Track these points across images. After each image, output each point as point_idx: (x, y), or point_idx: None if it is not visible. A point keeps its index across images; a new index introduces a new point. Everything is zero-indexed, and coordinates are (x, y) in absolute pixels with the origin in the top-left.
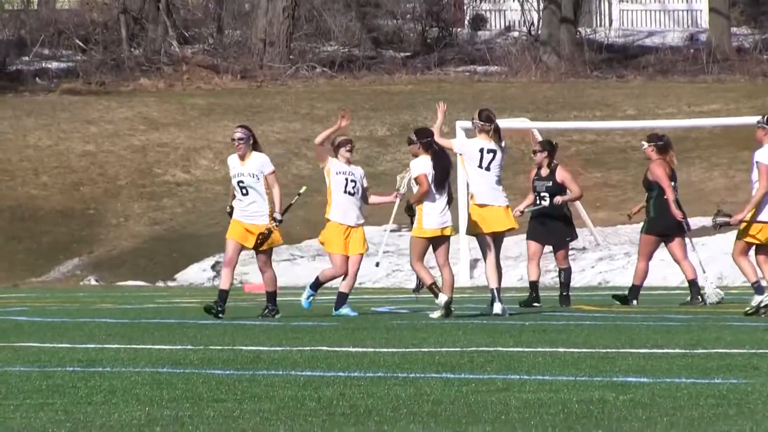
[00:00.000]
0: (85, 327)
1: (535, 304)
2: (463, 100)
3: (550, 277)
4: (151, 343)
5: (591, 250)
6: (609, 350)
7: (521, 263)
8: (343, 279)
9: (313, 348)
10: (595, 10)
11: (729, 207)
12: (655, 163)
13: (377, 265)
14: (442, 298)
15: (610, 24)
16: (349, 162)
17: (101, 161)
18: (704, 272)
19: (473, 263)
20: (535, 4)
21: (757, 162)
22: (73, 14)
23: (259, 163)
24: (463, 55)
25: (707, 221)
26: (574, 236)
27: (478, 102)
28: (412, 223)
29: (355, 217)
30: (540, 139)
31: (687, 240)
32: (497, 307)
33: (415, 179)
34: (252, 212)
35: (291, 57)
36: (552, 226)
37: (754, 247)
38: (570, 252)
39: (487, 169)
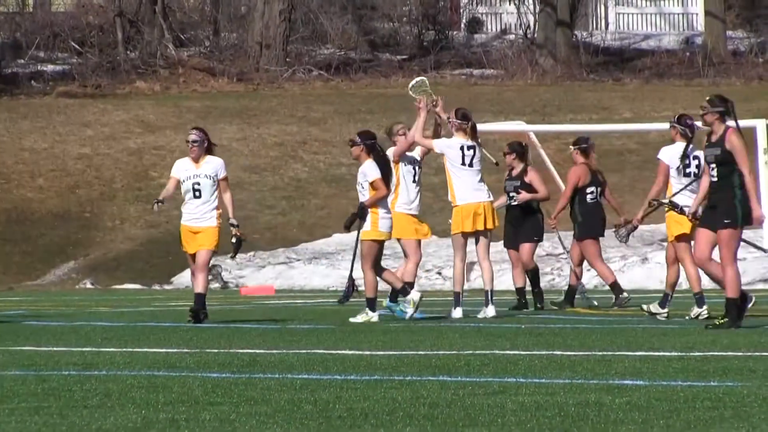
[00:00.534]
0: (81, 330)
1: (525, 310)
2: (460, 103)
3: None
4: (147, 347)
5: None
6: (605, 353)
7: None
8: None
9: (309, 351)
10: (591, 13)
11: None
12: (574, 168)
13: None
14: (415, 295)
15: (606, 27)
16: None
17: (97, 164)
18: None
19: (469, 266)
20: (531, 7)
21: (658, 158)
22: (69, 17)
23: (215, 165)
24: (459, 58)
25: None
26: (542, 237)
27: (474, 105)
28: (349, 226)
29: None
30: (537, 142)
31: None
32: (457, 312)
33: (372, 183)
34: (201, 214)
35: (287, 60)
36: (523, 227)
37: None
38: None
39: (470, 165)
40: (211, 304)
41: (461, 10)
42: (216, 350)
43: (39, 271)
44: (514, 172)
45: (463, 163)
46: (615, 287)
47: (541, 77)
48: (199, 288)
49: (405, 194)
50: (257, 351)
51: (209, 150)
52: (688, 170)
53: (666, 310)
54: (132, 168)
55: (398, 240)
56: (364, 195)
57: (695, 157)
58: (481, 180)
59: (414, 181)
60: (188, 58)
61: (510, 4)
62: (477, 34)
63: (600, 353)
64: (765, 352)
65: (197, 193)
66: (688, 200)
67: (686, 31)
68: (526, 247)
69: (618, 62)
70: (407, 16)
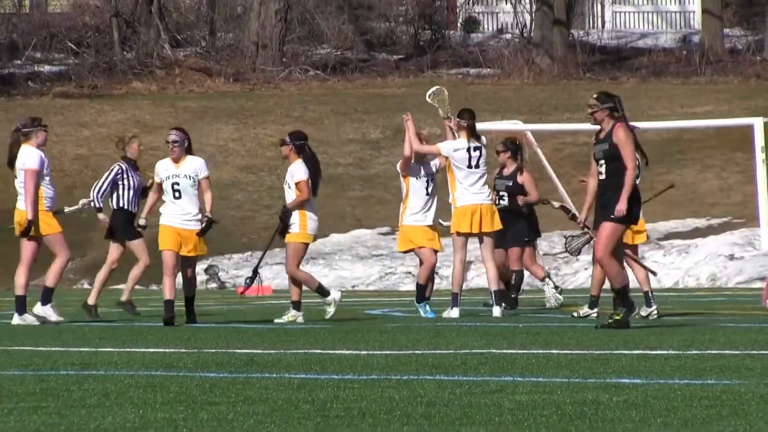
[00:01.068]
0: (78, 330)
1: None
2: (456, 102)
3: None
4: (144, 346)
5: (585, 252)
6: (602, 352)
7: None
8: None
9: (306, 351)
10: (587, 12)
11: (721, 209)
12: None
13: None
14: (335, 294)
15: (603, 26)
16: None
17: (94, 164)
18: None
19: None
20: (527, 6)
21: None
22: (66, 18)
23: (196, 165)
24: (455, 57)
25: (700, 223)
26: (533, 239)
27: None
28: (284, 230)
29: None
30: (534, 141)
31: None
32: (453, 312)
33: (297, 184)
34: (183, 219)
35: (284, 60)
36: (510, 230)
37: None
38: (563, 254)
39: (476, 166)
40: (208, 304)
41: (458, 10)
42: (214, 350)
43: (36, 271)
44: (506, 171)
45: (470, 165)
46: (512, 287)
47: (537, 76)
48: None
49: (416, 206)
50: (255, 351)
51: (189, 150)
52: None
53: (596, 310)
54: None
55: (413, 251)
56: (291, 195)
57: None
58: (484, 182)
59: (427, 194)
60: (185, 59)
61: (506, 3)
62: (473, 33)
63: (597, 352)
64: (762, 351)
65: (177, 194)
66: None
67: (683, 29)
68: (514, 251)
69: (615, 61)
70: (404, 15)
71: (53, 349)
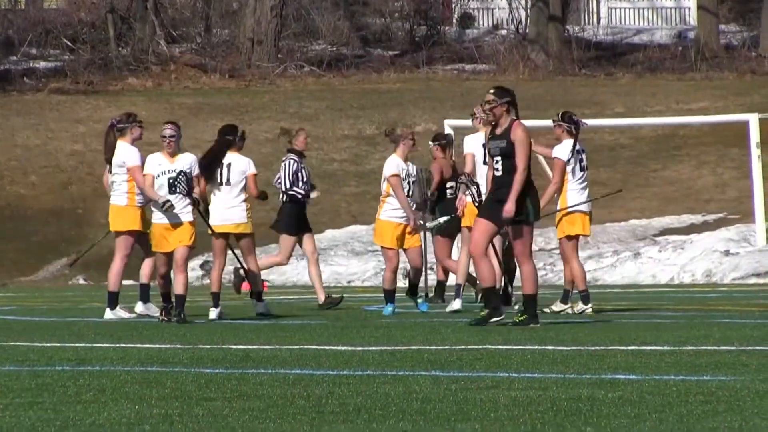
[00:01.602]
0: (74, 326)
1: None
2: (452, 98)
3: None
4: (140, 342)
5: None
6: (598, 348)
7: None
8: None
9: (302, 346)
10: (583, 7)
11: (717, 205)
12: (435, 163)
13: None
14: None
15: (599, 22)
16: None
17: (90, 160)
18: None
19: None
20: (523, 2)
21: (554, 157)
22: (61, 14)
23: (190, 161)
24: (451, 53)
25: (695, 219)
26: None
27: (466, 100)
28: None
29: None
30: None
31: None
32: (456, 304)
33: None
34: (178, 210)
35: (279, 56)
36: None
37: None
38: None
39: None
40: (205, 300)
41: (453, 6)
42: (209, 346)
43: (32, 267)
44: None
45: (484, 162)
46: (440, 286)
47: (533, 72)
48: (180, 289)
49: (396, 203)
50: (250, 347)
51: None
52: (582, 164)
53: (569, 305)
54: None
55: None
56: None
57: (583, 151)
58: None
59: (409, 196)
60: (180, 55)
61: None
62: (469, 29)
63: (592, 348)
64: (758, 347)
65: (173, 189)
66: (580, 196)
67: (679, 25)
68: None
69: (610, 57)
70: (399, 11)
71: (49, 345)
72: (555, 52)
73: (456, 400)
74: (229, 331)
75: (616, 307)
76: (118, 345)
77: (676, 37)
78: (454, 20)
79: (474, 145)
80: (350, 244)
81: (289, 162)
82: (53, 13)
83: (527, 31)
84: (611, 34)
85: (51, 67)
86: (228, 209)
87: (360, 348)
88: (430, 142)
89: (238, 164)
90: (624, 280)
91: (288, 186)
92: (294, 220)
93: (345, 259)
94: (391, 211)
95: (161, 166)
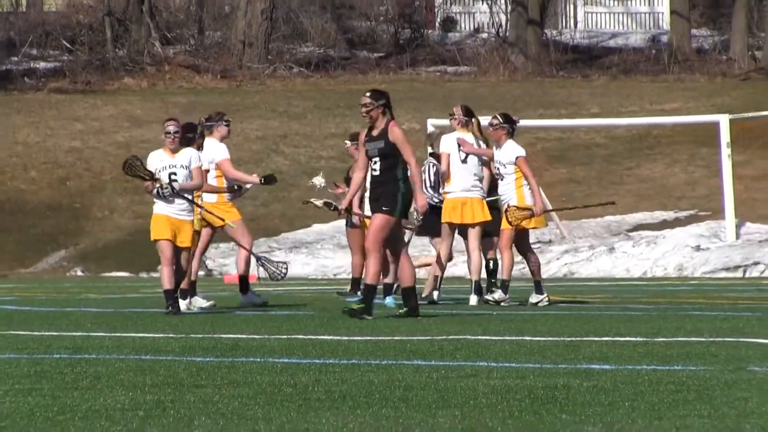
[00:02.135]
0: (71, 316)
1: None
2: (434, 99)
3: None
4: (134, 332)
5: (557, 242)
6: (573, 339)
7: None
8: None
9: (289, 336)
10: (560, 12)
11: (688, 202)
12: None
13: None
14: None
15: (575, 26)
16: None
17: (87, 157)
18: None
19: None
20: (503, 6)
21: (517, 158)
22: (60, 16)
23: (190, 156)
24: (434, 55)
25: (667, 215)
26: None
27: (448, 101)
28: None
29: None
30: None
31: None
32: (473, 299)
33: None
34: (180, 209)
35: (269, 57)
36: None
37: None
38: (536, 245)
39: (464, 162)
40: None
41: (436, 10)
42: (200, 335)
43: (32, 259)
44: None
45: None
46: (354, 282)
47: (512, 74)
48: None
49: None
50: (240, 336)
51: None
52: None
53: (507, 296)
54: (120, 161)
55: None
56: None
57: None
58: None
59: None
60: (174, 56)
61: (483, 3)
62: (451, 32)
63: (568, 339)
64: (726, 338)
65: (175, 183)
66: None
67: (652, 29)
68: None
69: (586, 59)
70: (384, 15)
71: (47, 333)
72: (533, 55)
73: (437, 388)
74: (220, 321)
75: (591, 299)
76: (113, 334)
77: (649, 40)
78: (437, 24)
79: (449, 144)
80: (336, 237)
81: (429, 166)
82: (53, 16)
83: (507, 34)
84: (588, 37)
85: (50, 67)
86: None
87: (345, 338)
88: (347, 142)
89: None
90: (599, 274)
91: (430, 187)
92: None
93: (331, 252)
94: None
95: (162, 162)
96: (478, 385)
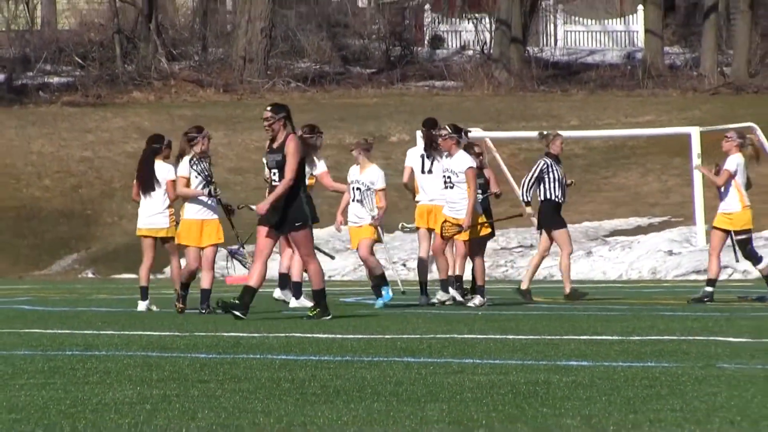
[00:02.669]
0: (83, 315)
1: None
2: (423, 112)
3: (501, 271)
4: (142, 330)
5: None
6: (553, 337)
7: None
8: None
9: (287, 334)
10: (542, 30)
11: (661, 209)
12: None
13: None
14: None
15: (556, 43)
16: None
17: (98, 166)
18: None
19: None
20: (487, 25)
21: (467, 168)
22: (73, 34)
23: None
24: (423, 71)
25: (642, 221)
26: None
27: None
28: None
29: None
30: (493, 147)
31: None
32: (422, 299)
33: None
34: (208, 207)
35: (268, 73)
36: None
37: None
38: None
39: (429, 172)
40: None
41: (425, 28)
42: (204, 333)
43: (45, 262)
44: None
45: (423, 171)
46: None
47: (496, 89)
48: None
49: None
50: (241, 334)
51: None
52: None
53: (450, 295)
54: (129, 170)
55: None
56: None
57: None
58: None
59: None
60: (179, 71)
61: (469, 22)
62: (439, 49)
63: (548, 337)
64: (697, 336)
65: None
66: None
67: (628, 47)
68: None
69: (566, 75)
70: (376, 33)
71: (60, 331)
72: (516, 71)
73: (426, 384)
74: (222, 321)
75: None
76: (122, 332)
77: (625, 57)
78: (426, 41)
79: (413, 158)
80: (331, 242)
81: (540, 164)
82: (66, 34)
83: (491, 51)
84: (567, 54)
85: (63, 82)
86: (152, 216)
87: (340, 336)
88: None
89: (161, 171)
90: (577, 276)
91: (524, 186)
92: (557, 214)
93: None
94: (353, 216)
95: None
96: (464, 380)
